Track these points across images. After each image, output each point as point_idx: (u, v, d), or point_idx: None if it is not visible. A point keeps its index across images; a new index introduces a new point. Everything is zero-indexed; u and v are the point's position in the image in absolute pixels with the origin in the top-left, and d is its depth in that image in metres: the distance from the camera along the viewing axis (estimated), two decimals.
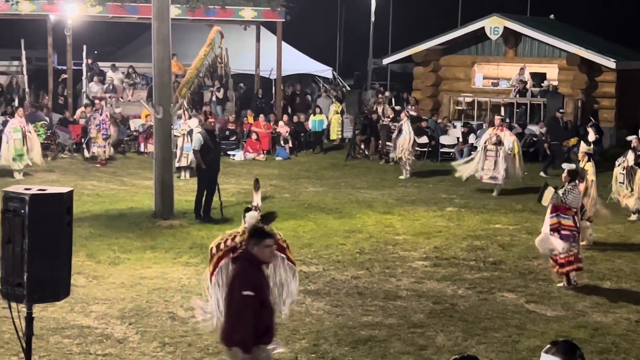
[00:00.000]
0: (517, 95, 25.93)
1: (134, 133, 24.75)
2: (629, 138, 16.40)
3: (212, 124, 16.55)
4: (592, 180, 13.82)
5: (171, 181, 16.07)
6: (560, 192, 11.59)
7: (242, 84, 30.04)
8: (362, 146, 24.71)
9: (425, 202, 17.75)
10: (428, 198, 18.30)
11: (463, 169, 19.38)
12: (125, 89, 27.30)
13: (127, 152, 24.12)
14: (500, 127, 18.91)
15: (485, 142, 18.98)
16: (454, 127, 25.22)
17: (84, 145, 22.90)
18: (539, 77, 26.63)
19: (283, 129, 25.12)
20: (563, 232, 11.45)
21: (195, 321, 9.62)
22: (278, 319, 8.89)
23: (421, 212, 16.71)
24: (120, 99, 26.67)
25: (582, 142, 16.47)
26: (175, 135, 19.37)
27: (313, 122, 26.13)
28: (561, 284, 11.60)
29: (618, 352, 9.18)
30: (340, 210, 16.66)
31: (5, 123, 21.40)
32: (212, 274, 7.99)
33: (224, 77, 27.15)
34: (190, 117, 21.01)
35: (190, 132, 19.78)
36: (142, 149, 23.96)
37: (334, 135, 26.94)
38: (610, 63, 24.95)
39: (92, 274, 11.80)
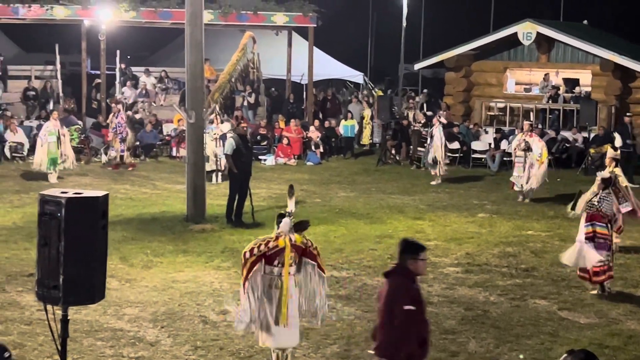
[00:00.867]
0: (550, 101, 25.76)
1: (167, 137, 24.93)
2: None
3: (244, 128, 16.61)
4: (625, 185, 13.68)
5: (203, 185, 16.16)
6: (595, 200, 11.49)
7: (273, 89, 30.12)
8: (393, 151, 24.68)
9: (456, 208, 17.68)
10: (459, 204, 18.22)
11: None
12: (158, 94, 27.52)
13: (159, 157, 24.29)
14: (529, 133, 18.64)
15: (514, 148, 18.84)
16: (486, 132, 25.10)
17: (102, 150, 23.02)
18: (571, 83, 26.43)
19: (314, 134, 25.17)
20: (598, 240, 11.34)
21: (227, 324, 9.70)
22: (311, 324, 8.91)
23: (452, 217, 16.65)
24: (153, 103, 26.89)
25: (609, 147, 16.29)
26: (211, 140, 19.51)
27: (344, 127, 26.15)
28: (595, 292, 11.51)
29: None
30: (371, 216, 16.64)
31: (39, 127, 21.66)
32: (245, 279, 8.04)
33: (256, 82, 27.23)
34: (222, 122, 21.12)
35: (222, 137, 19.87)
36: (174, 153, 24.11)
37: (366, 140, 26.97)
38: None
39: (125, 277, 11.91)
